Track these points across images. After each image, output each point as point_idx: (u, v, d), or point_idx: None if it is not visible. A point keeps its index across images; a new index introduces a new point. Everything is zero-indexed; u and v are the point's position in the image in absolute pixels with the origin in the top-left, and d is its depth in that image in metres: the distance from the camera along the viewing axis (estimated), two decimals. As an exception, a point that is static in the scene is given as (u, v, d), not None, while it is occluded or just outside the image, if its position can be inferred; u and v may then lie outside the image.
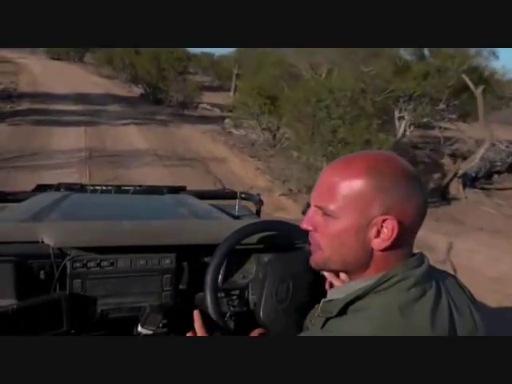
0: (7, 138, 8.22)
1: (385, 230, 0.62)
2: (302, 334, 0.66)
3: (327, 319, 0.64)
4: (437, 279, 0.66)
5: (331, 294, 0.71)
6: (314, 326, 0.69)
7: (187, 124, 12.19)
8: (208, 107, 16.26)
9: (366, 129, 5.24)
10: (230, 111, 15.83)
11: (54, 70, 24.41)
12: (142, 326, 1.08)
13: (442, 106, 8.73)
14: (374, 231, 0.62)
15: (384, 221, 0.61)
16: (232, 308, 1.17)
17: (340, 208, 0.63)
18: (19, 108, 11.55)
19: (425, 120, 8.77)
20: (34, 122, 9.66)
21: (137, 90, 18.31)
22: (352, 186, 0.62)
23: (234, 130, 11.46)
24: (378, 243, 0.63)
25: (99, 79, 23.17)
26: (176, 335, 1.08)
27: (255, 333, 1.00)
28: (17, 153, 7.07)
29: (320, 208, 0.65)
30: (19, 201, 1.67)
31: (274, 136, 9.88)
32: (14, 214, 1.42)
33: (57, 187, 1.90)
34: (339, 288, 0.72)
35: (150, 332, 1.07)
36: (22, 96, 13.54)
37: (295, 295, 1.02)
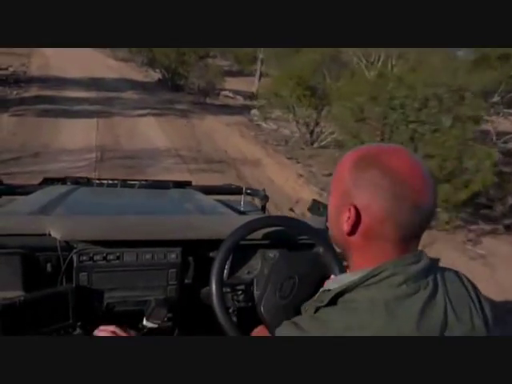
0: (8, 132, 7.07)
1: (351, 216, 0.64)
2: (292, 319, 0.67)
3: (318, 307, 0.66)
4: (436, 278, 0.66)
5: (327, 285, 0.72)
6: (305, 313, 0.71)
7: (210, 115, 10.92)
8: (230, 95, 14.94)
9: (458, 138, 3.91)
10: (254, 99, 14.62)
11: (68, 53, 23.23)
12: (148, 320, 1.11)
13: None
14: (345, 216, 0.65)
15: (354, 208, 0.64)
16: (237, 303, 1.18)
17: (333, 187, 0.70)
18: (26, 95, 10.40)
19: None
20: (40, 112, 8.49)
21: (154, 75, 17.04)
22: (342, 170, 0.67)
23: (263, 123, 10.15)
24: (345, 227, 0.65)
25: (114, 62, 21.93)
26: (180, 329, 1.17)
27: (259, 329, 1.00)
28: (16, 153, 5.93)
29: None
30: (26, 194, 1.65)
31: (312, 132, 8.56)
32: (21, 207, 1.42)
33: (63, 181, 1.86)
34: (335, 279, 0.75)
35: (155, 325, 1.11)
36: (31, 80, 12.41)
37: (299, 292, 1.00)
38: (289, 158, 7.44)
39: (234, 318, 1.13)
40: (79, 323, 1.08)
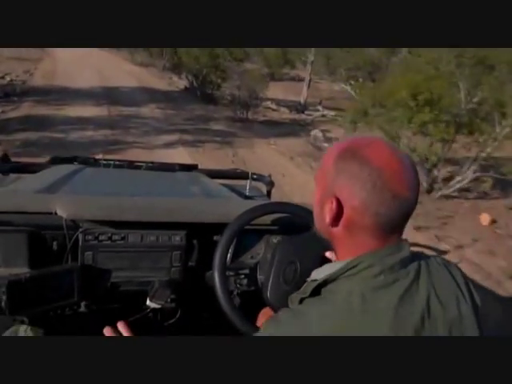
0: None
1: (332, 208, 0.64)
2: (275, 314, 0.68)
3: (302, 299, 0.66)
4: (419, 268, 0.65)
5: (313, 275, 0.71)
6: (291, 305, 0.70)
7: (258, 137, 7.95)
8: (273, 106, 11.97)
9: None
10: (302, 110, 11.71)
11: (82, 56, 20.68)
12: (151, 300, 1.12)
13: None
14: (327, 207, 0.65)
15: (336, 199, 0.64)
16: (239, 286, 1.18)
17: (317, 179, 0.69)
18: (13, 114, 7.59)
19: None
20: (20, 146, 5.72)
21: (179, 83, 14.15)
22: (326, 162, 0.67)
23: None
24: (327, 219, 0.65)
25: (133, 67, 19.22)
26: (183, 311, 1.17)
27: (263, 312, 1.01)
28: None
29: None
30: (34, 172, 1.65)
31: (430, 171, 5.52)
32: (28, 185, 1.41)
33: (71, 160, 1.85)
34: (318, 270, 0.72)
35: (159, 306, 1.12)
36: (28, 93, 9.63)
37: (302, 277, 0.98)
38: (417, 229, 4.40)
39: (237, 302, 1.13)
40: (84, 301, 1.09)
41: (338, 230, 0.65)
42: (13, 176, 1.70)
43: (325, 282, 0.64)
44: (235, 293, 1.17)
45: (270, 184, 1.97)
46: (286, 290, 0.98)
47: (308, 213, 1.10)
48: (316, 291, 0.65)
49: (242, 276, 1.20)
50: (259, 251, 1.25)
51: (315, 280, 0.66)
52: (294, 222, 1.20)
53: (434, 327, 0.61)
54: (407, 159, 0.64)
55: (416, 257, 0.66)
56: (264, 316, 1.01)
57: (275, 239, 1.23)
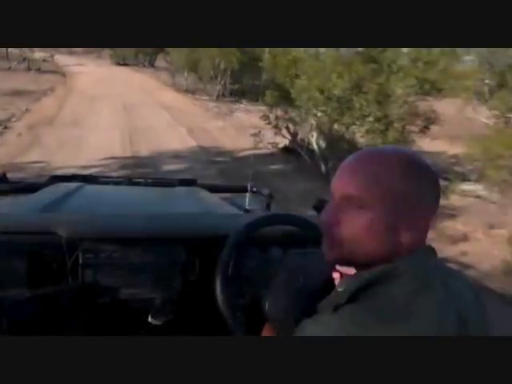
0: None
1: (417, 230, 0.61)
2: (313, 317, 0.63)
3: (337, 306, 0.61)
4: (444, 273, 0.65)
5: (342, 284, 0.65)
6: (323, 313, 0.64)
7: None
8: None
9: None
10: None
11: (109, 84, 15.36)
12: (152, 317, 1.09)
13: None
14: (405, 225, 0.60)
15: (420, 220, 0.61)
16: (242, 300, 1.13)
17: (374, 198, 0.60)
18: None
19: None
20: None
21: (265, 131, 6.97)
22: (383, 182, 0.59)
23: None
24: (409, 243, 0.61)
25: (175, 96, 13.61)
26: (185, 327, 1.12)
27: (266, 328, 0.93)
28: None
29: (349, 197, 0.61)
30: (33, 191, 1.62)
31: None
32: (27, 205, 1.40)
33: (70, 179, 1.83)
34: (348, 278, 0.66)
35: (160, 323, 1.09)
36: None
37: (304, 292, 0.94)
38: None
39: (240, 316, 1.07)
40: (85, 320, 1.07)
41: (405, 249, 0.61)
42: (12, 196, 1.70)
43: (363, 288, 0.60)
44: (238, 307, 1.07)
45: (270, 197, 1.91)
46: (286, 304, 0.92)
47: (311, 224, 1.12)
48: (352, 298, 0.60)
49: (245, 290, 1.13)
50: (262, 264, 1.17)
51: (349, 288, 0.61)
52: (296, 234, 1.17)
53: (464, 331, 0.60)
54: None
55: (440, 262, 0.66)
56: (267, 330, 0.92)
57: (277, 252, 1.19)
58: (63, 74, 18.08)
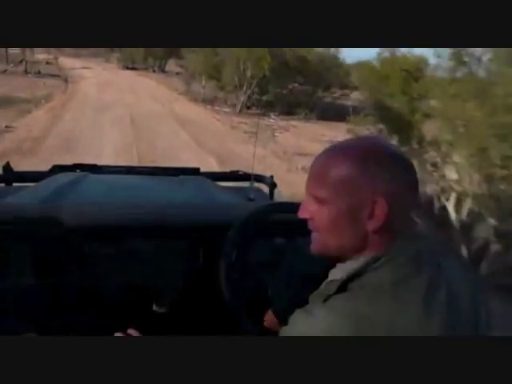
0: None
1: (377, 211, 0.61)
2: (304, 308, 0.64)
3: (328, 297, 0.63)
4: (437, 255, 0.65)
5: (331, 275, 0.68)
6: (314, 303, 0.65)
7: None
8: None
9: None
10: None
11: (116, 91, 13.44)
12: (157, 305, 1.10)
13: None
14: (366, 213, 0.61)
15: (375, 202, 0.61)
16: (245, 289, 1.13)
17: (331, 194, 0.63)
18: None
19: None
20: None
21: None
22: (341, 171, 0.62)
23: None
24: (371, 224, 0.61)
25: (193, 107, 11.62)
26: (189, 315, 1.13)
27: (268, 315, 0.96)
28: None
29: (313, 196, 0.65)
30: (36, 181, 1.61)
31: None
32: (30, 195, 1.39)
33: (73, 168, 1.79)
34: (338, 268, 0.69)
35: (164, 311, 1.10)
36: None
37: (308, 282, 0.89)
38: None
39: (244, 304, 1.08)
40: (90, 309, 1.07)
41: (376, 231, 0.61)
42: (16, 185, 1.69)
43: (351, 278, 0.61)
44: (241, 295, 1.09)
45: (273, 185, 1.88)
46: (289, 291, 0.94)
47: None
48: (342, 288, 0.62)
49: (248, 278, 1.13)
50: (265, 253, 1.18)
51: (338, 278, 0.63)
52: (300, 222, 1.01)
53: (456, 315, 0.61)
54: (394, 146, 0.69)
55: (431, 243, 0.66)
56: (269, 318, 0.95)
57: (281, 240, 1.21)
58: (65, 79, 16.18)
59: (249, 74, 10.80)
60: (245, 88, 11.28)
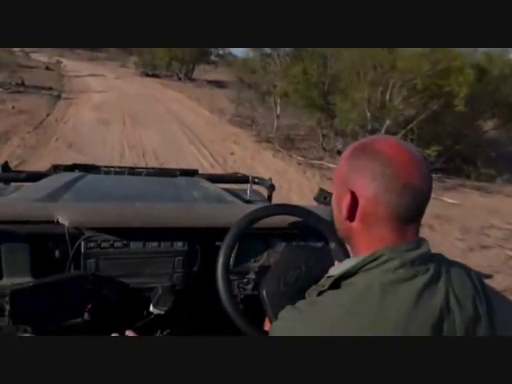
0: None
1: (347, 201, 0.64)
2: (294, 304, 0.65)
3: (320, 292, 0.65)
4: (438, 266, 0.63)
5: (330, 271, 0.70)
6: (308, 298, 0.68)
7: None
8: None
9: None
10: None
11: (127, 121, 8.07)
12: (154, 307, 1.08)
13: None
14: (345, 202, 0.64)
15: (350, 192, 0.63)
16: (243, 291, 1.15)
17: (334, 178, 0.69)
18: None
19: None
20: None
21: None
22: (341, 160, 0.67)
23: None
24: (344, 211, 0.65)
25: (286, 167, 6.02)
26: (186, 317, 1.13)
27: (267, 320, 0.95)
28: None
29: None
30: (34, 180, 1.59)
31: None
32: (29, 194, 1.37)
33: (71, 168, 1.79)
34: (336, 265, 0.74)
35: (162, 312, 1.08)
36: None
37: (304, 282, 0.92)
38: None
39: (241, 306, 1.07)
40: (87, 309, 1.04)
41: (355, 224, 0.65)
42: (14, 185, 1.66)
43: (344, 276, 0.62)
44: (238, 297, 1.11)
45: (271, 187, 1.88)
46: (283, 292, 0.93)
47: (310, 214, 1.11)
48: (335, 285, 0.63)
49: (245, 280, 1.14)
50: (262, 255, 1.18)
51: (333, 275, 0.65)
52: (297, 224, 1.16)
53: (452, 324, 0.60)
54: (417, 152, 0.64)
55: (435, 256, 0.64)
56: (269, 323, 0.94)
57: (278, 242, 1.19)
58: (58, 94, 10.88)
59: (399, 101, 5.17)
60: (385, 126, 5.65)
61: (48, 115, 7.95)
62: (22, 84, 11.62)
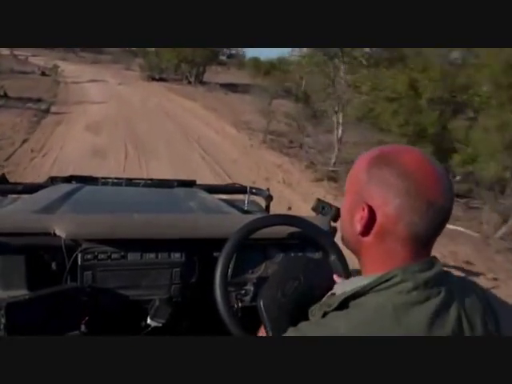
0: None
1: (364, 215, 0.59)
2: (297, 326, 0.61)
3: (326, 312, 0.60)
4: (450, 287, 0.59)
5: (336, 289, 0.67)
6: (312, 318, 0.65)
7: None
8: None
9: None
10: None
11: (130, 151, 5.95)
12: (152, 319, 1.06)
13: None
14: (358, 215, 0.60)
15: (368, 207, 0.58)
16: (241, 302, 1.13)
17: (346, 186, 0.65)
18: None
19: None
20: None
21: None
22: (356, 170, 0.62)
23: None
24: (358, 227, 0.60)
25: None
26: (184, 329, 1.10)
27: (262, 331, 0.91)
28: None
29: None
30: (31, 192, 1.57)
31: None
32: (26, 206, 1.35)
33: (68, 179, 1.76)
34: (344, 283, 0.69)
35: (159, 324, 1.06)
36: None
37: (303, 293, 0.90)
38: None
39: (239, 317, 1.05)
40: (84, 321, 1.02)
41: (368, 240, 0.60)
42: (11, 197, 1.61)
43: (353, 296, 0.58)
44: (236, 308, 1.09)
45: (269, 198, 1.84)
46: (281, 303, 0.88)
47: (309, 225, 1.10)
48: (342, 305, 0.59)
49: (243, 291, 1.13)
50: (260, 266, 1.16)
51: (341, 294, 0.61)
52: (295, 235, 1.14)
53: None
54: (441, 167, 0.59)
55: (447, 275, 0.60)
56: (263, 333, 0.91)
57: (276, 253, 1.17)
58: (46, 108, 8.81)
59: None
60: None
61: (23, 142, 5.82)
62: (5, 95, 9.54)
